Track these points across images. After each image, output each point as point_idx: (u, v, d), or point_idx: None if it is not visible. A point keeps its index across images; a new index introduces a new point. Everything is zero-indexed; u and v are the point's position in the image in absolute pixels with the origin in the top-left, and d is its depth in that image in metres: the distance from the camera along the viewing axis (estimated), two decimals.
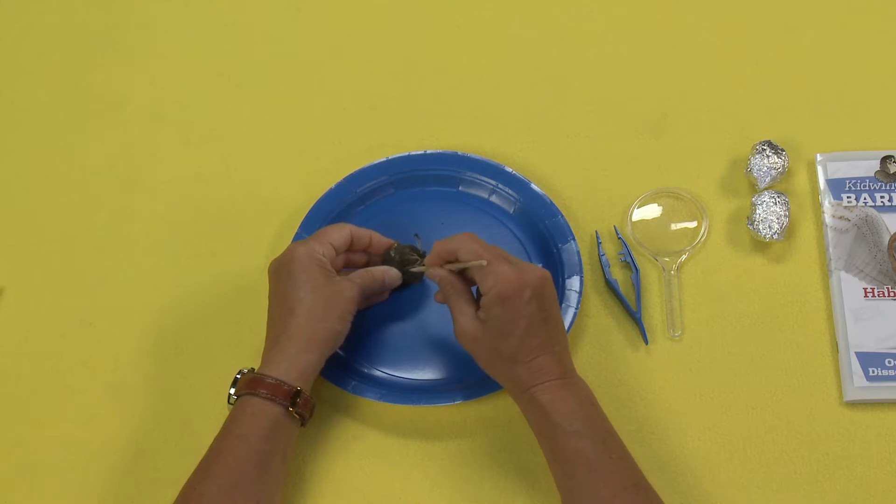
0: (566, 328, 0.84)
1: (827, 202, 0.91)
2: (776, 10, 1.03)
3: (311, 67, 1.04)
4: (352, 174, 0.94)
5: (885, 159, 0.92)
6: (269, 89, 1.04)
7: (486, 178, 0.93)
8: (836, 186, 0.92)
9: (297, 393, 0.76)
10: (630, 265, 0.90)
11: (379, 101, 1.02)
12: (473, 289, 0.79)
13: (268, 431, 0.75)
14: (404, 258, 0.87)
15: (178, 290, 0.93)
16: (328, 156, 0.98)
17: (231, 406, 0.78)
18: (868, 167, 0.92)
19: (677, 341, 0.87)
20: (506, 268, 0.75)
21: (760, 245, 0.91)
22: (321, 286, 0.79)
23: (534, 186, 0.92)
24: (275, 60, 1.05)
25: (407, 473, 0.83)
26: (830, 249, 0.89)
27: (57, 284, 0.94)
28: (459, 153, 0.94)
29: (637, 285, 0.89)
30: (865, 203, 0.90)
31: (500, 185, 0.93)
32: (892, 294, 0.87)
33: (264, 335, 0.81)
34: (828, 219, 0.90)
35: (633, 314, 0.88)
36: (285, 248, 0.83)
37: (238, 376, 0.80)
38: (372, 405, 0.85)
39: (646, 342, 0.87)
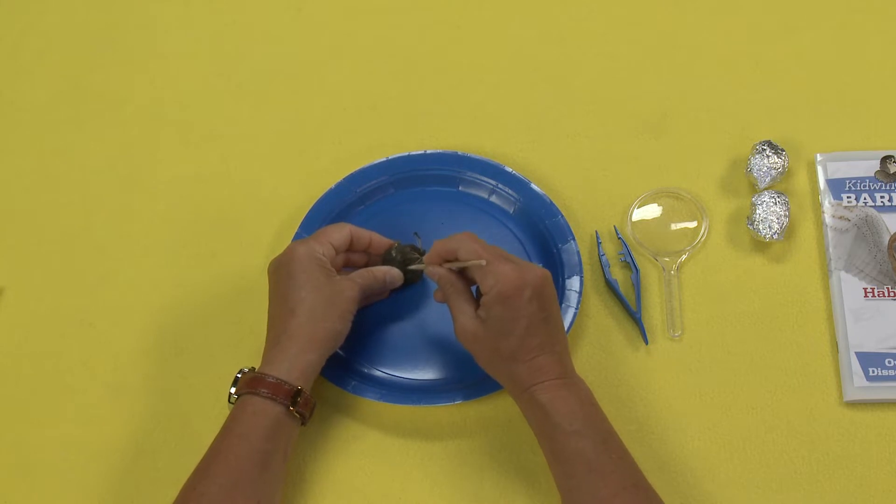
0: (566, 328, 0.84)
1: (827, 202, 0.91)
2: (776, 10, 1.03)
3: (311, 67, 1.04)
4: (352, 174, 0.94)
5: (885, 159, 0.92)
6: (269, 89, 1.04)
7: (486, 178, 0.93)
8: (836, 186, 0.92)
9: (298, 392, 0.76)
10: (630, 265, 0.90)
11: (379, 101, 1.02)
12: (473, 288, 0.79)
13: (268, 431, 0.75)
14: (406, 257, 0.87)
15: (178, 290, 0.93)
16: (328, 156, 0.98)
17: (231, 405, 0.78)
18: (868, 167, 0.92)
19: (677, 341, 0.87)
20: (507, 267, 0.75)
21: (760, 245, 0.91)
22: (322, 286, 0.79)
23: (534, 186, 0.92)
24: (275, 60, 1.05)
25: (407, 473, 0.83)
26: (830, 249, 0.89)
27: (57, 284, 0.94)
28: (459, 153, 0.94)
29: (637, 285, 0.89)
30: (865, 203, 0.90)
31: (500, 185, 0.93)
32: (892, 294, 0.87)
33: (264, 335, 0.81)
34: (828, 219, 0.90)
35: (633, 314, 0.88)
36: (285, 248, 0.83)
37: (238, 375, 0.80)
38: (372, 405, 0.85)
39: (646, 342, 0.87)
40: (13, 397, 0.90)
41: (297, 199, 0.94)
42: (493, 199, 0.93)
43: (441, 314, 0.87)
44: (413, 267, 0.86)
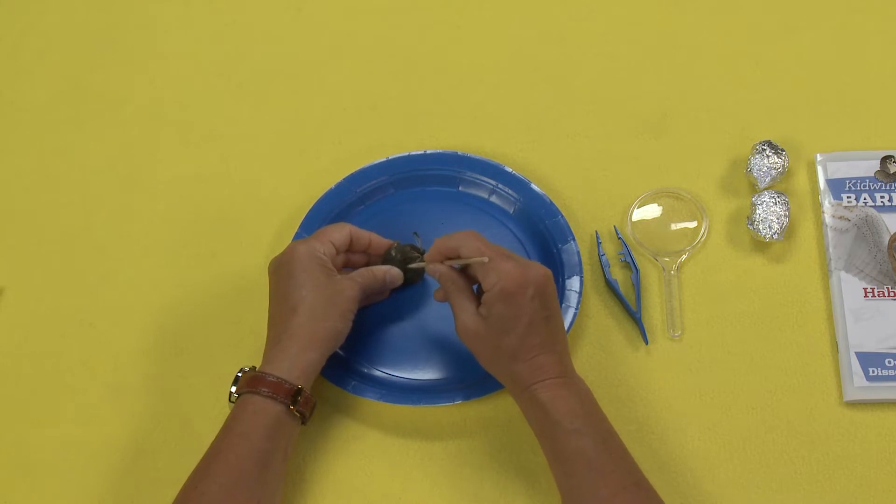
0: (566, 328, 0.84)
1: (827, 202, 0.91)
2: (776, 10, 1.03)
3: (311, 67, 1.04)
4: (352, 174, 0.94)
5: (885, 159, 0.92)
6: (269, 89, 1.04)
7: (486, 178, 0.93)
8: (836, 186, 0.92)
9: (299, 391, 0.76)
10: (630, 265, 0.90)
11: (379, 101, 1.02)
12: (474, 287, 0.79)
13: (269, 430, 0.75)
14: (406, 257, 0.87)
15: (178, 290, 0.93)
16: (328, 156, 0.98)
17: (232, 404, 0.78)
18: (868, 167, 0.92)
19: (677, 341, 0.87)
20: (509, 265, 0.75)
21: (760, 245, 0.91)
22: (323, 285, 0.79)
23: (534, 186, 0.92)
24: (275, 60, 1.05)
25: (407, 473, 0.83)
26: (830, 249, 0.89)
27: (57, 284, 0.94)
28: (459, 153, 0.94)
29: (637, 285, 0.89)
30: (865, 203, 0.90)
31: (500, 185, 0.93)
32: (892, 294, 0.87)
33: (264, 335, 0.81)
34: (828, 219, 0.90)
35: (633, 314, 0.88)
36: (285, 247, 0.83)
37: (239, 375, 0.80)
38: (372, 405, 0.85)
39: (646, 342, 0.87)
40: (13, 397, 0.90)
41: (297, 199, 0.94)
42: (493, 199, 0.93)
43: (441, 314, 0.87)
44: (414, 265, 0.86)
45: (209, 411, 0.85)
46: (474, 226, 0.90)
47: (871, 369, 0.84)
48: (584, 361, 0.87)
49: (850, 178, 0.92)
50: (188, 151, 1.01)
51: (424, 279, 0.89)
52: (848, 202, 0.91)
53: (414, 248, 0.88)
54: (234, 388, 0.79)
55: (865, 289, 0.87)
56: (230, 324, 0.90)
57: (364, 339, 0.87)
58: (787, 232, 0.90)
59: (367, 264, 0.87)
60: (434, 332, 0.88)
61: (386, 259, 0.87)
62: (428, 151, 0.94)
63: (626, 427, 0.81)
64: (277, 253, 0.83)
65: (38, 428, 0.88)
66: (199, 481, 0.74)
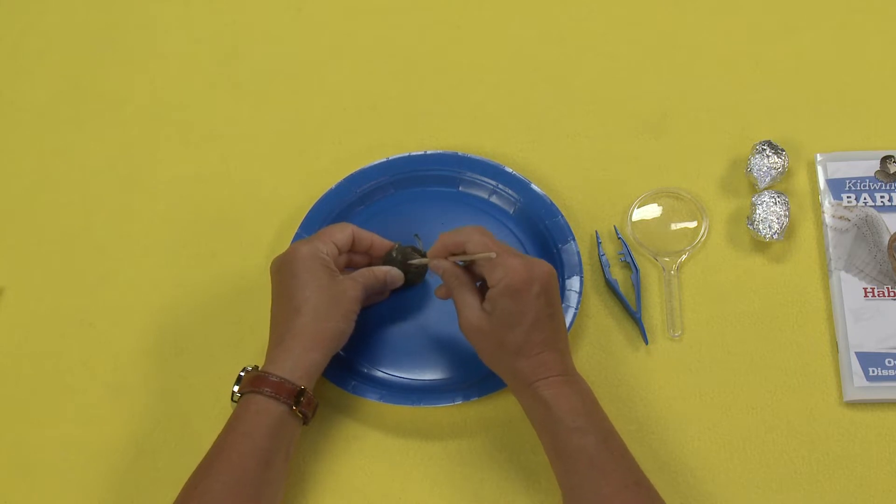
0: (566, 328, 0.84)
1: (827, 202, 0.91)
2: (776, 10, 1.03)
3: (311, 67, 1.04)
4: (352, 174, 0.93)
5: (885, 159, 0.92)
6: (269, 89, 1.04)
7: (486, 179, 0.93)
8: (836, 186, 0.92)
9: (301, 392, 0.77)
10: (630, 265, 0.90)
11: (379, 101, 1.02)
12: (476, 283, 0.79)
13: (271, 429, 0.75)
14: (407, 258, 0.87)
15: (178, 290, 0.93)
16: (328, 156, 0.98)
17: (234, 403, 0.78)
18: (868, 167, 0.92)
19: (677, 341, 0.87)
20: (516, 261, 0.75)
21: (760, 245, 0.91)
22: (326, 285, 0.79)
23: (534, 187, 0.92)
24: (275, 60, 1.05)
25: (407, 473, 0.83)
26: (830, 249, 0.89)
27: (57, 284, 0.94)
28: (459, 153, 0.94)
29: (637, 285, 0.89)
30: (865, 203, 0.90)
31: (500, 186, 0.93)
32: (892, 294, 0.87)
33: (264, 335, 0.81)
34: (828, 219, 0.90)
35: (633, 314, 0.88)
36: (287, 247, 0.83)
37: (242, 374, 0.80)
38: (372, 405, 0.85)
39: (646, 342, 0.87)
40: (13, 397, 0.90)
41: (297, 199, 0.94)
42: (494, 199, 0.93)
43: (441, 315, 0.87)
44: (416, 261, 0.86)
45: (209, 411, 0.85)
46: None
47: (871, 369, 0.84)
48: (584, 361, 0.87)
49: (850, 178, 0.92)
50: (188, 151, 1.01)
51: (425, 280, 0.89)
52: (848, 202, 0.91)
53: (415, 249, 0.87)
54: (236, 388, 0.79)
55: (865, 289, 0.87)
56: (230, 324, 0.90)
57: (365, 340, 0.87)
58: (787, 232, 0.90)
59: (369, 265, 0.87)
60: (434, 333, 0.88)
61: (387, 260, 0.87)
62: (428, 152, 0.94)
63: (626, 427, 0.81)
64: (277, 253, 0.83)
65: (38, 428, 0.88)
66: (201, 480, 0.74)
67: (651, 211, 0.93)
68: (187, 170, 0.99)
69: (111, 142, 1.02)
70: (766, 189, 0.92)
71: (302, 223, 0.91)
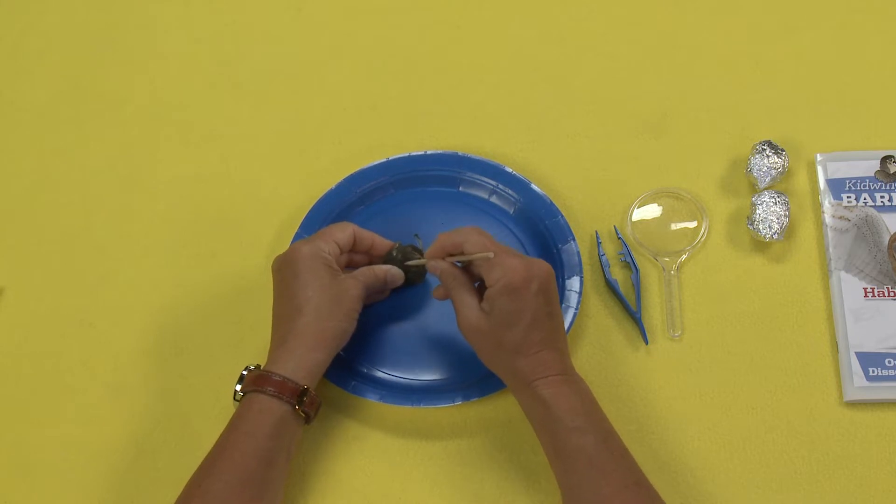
0: (566, 328, 0.84)
1: (827, 202, 0.91)
2: (776, 10, 1.03)
3: (311, 67, 1.04)
4: (352, 174, 0.93)
5: (885, 159, 0.92)
6: (269, 89, 1.04)
7: (486, 179, 0.93)
8: (836, 186, 0.92)
9: (305, 391, 0.77)
10: (630, 265, 0.90)
11: (379, 101, 1.02)
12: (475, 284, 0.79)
13: (274, 429, 0.75)
14: (407, 257, 0.87)
15: (178, 290, 0.93)
16: (328, 156, 0.98)
17: (237, 402, 0.78)
18: (868, 167, 0.92)
19: (677, 341, 0.87)
20: (514, 260, 0.75)
21: (760, 245, 0.91)
22: (328, 284, 0.79)
23: (534, 187, 0.92)
24: (275, 60, 1.05)
25: (407, 473, 0.83)
26: (830, 249, 0.89)
27: (57, 284, 0.94)
28: (459, 153, 0.94)
29: (637, 285, 0.89)
30: (865, 203, 0.90)
31: (500, 186, 0.93)
32: (892, 294, 0.87)
33: (265, 335, 0.81)
34: (828, 219, 0.90)
35: (633, 314, 0.88)
36: (285, 247, 0.83)
37: (244, 373, 0.80)
38: (372, 405, 0.85)
39: (646, 342, 0.87)
40: (13, 397, 0.90)
41: (297, 199, 0.94)
42: (494, 199, 0.93)
43: (441, 315, 0.87)
44: (413, 262, 0.86)
45: (209, 411, 0.85)
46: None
47: (871, 369, 0.84)
48: (584, 361, 0.87)
49: (850, 178, 0.92)
50: (188, 151, 1.01)
51: (425, 280, 0.89)
52: (848, 202, 0.91)
53: (415, 248, 0.87)
54: (239, 387, 0.79)
55: (865, 289, 0.87)
56: (230, 324, 0.90)
57: (365, 340, 0.87)
58: (787, 232, 0.90)
59: (369, 265, 0.87)
60: (434, 333, 0.88)
61: (387, 260, 0.87)
62: (428, 152, 0.94)
63: (626, 427, 0.81)
64: (277, 253, 0.83)
65: (38, 428, 0.88)
66: (203, 478, 0.74)
67: (651, 211, 0.93)
68: (187, 170, 0.99)
69: (111, 142, 1.02)
70: (766, 189, 0.92)
71: (302, 223, 0.91)
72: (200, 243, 0.95)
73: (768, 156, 0.92)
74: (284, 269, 0.81)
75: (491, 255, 0.75)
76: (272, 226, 0.95)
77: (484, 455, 0.84)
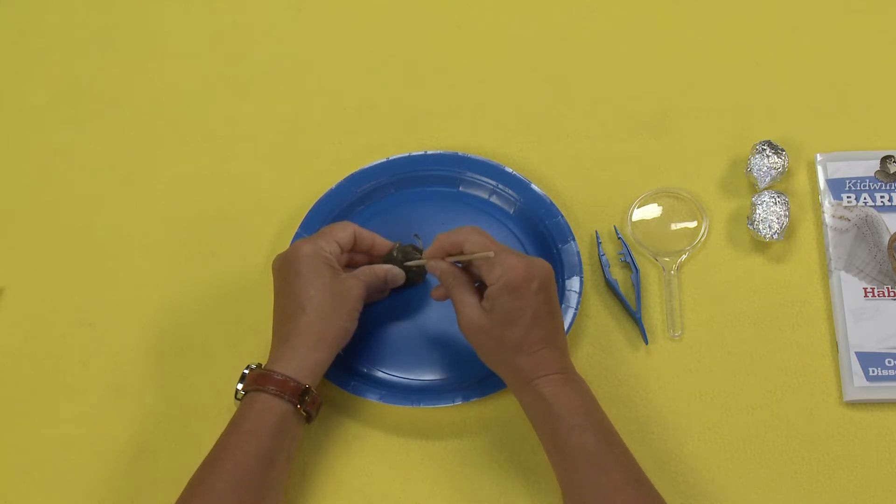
0: (566, 328, 0.84)
1: (827, 202, 0.91)
2: (776, 10, 1.03)
3: (312, 67, 1.04)
4: (352, 174, 0.94)
5: (885, 159, 0.92)
6: (269, 89, 1.04)
7: (486, 179, 0.93)
8: (836, 186, 0.92)
9: (306, 390, 0.77)
10: (630, 265, 0.90)
11: (379, 101, 1.02)
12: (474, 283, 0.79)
13: (275, 428, 0.75)
14: (407, 257, 0.87)
15: (178, 290, 0.93)
16: (328, 156, 0.98)
17: (238, 401, 0.78)
18: (868, 167, 0.92)
19: (677, 341, 0.87)
20: (514, 259, 0.75)
21: (760, 245, 0.91)
22: (329, 284, 0.79)
23: (534, 187, 0.92)
24: (275, 60, 1.05)
25: (407, 473, 0.83)
26: (830, 249, 0.89)
27: (57, 284, 0.94)
28: (459, 153, 0.94)
29: (637, 285, 0.89)
30: (865, 203, 0.90)
31: (500, 186, 0.93)
32: (892, 294, 0.87)
33: (265, 334, 0.81)
34: (828, 219, 0.90)
35: (633, 314, 0.88)
36: (286, 247, 0.83)
37: (246, 371, 0.80)
38: (372, 405, 0.85)
39: (646, 342, 0.87)
40: (13, 397, 0.89)
41: (297, 199, 0.94)
42: (494, 199, 0.93)
43: (441, 315, 0.87)
44: (412, 262, 0.86)
45: (209, 411, 0.85)
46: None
47: (871, 369, 0.84)
48: (584, 361, 0.87)
49: (850, 178, 0.92)
50: (188, 151, 1.01)
51: (426, 280, 0.89)
52: (848, 202, 0.91)
53: (416, 248, 0.87)
54: (240, 386, 0.79)
55: (865, 289, 0.87)
56: (230, 324, 0.90)
57: (364, 340, 0.87)
58: (787, 232, 0.90)
59: (369, 264, 0.87)
60: (434, 333, 0.88)
61: (387, 259, 0.87)
62: (428, 152, 0.94)
63: (626, 427, 0.81)
64: (278, 253, 0.82)
65: (38, 428, 0.88)
66: (205, 477, 0.74)
67: (651, 211, 0.93)
68: (187, 170, 0.99)
69: (111, 142, 1.02)
70: (766, 189, 0.92)
71: (302, 223, 0.91)
72: (200, 243, 0.95)
73: (768, 156, 0.92)
74: (286, 269, 0.81)
75: (491, 254, 0.75)
76: (272, 226, 0.95)
77: (484, 455, 0.84)
